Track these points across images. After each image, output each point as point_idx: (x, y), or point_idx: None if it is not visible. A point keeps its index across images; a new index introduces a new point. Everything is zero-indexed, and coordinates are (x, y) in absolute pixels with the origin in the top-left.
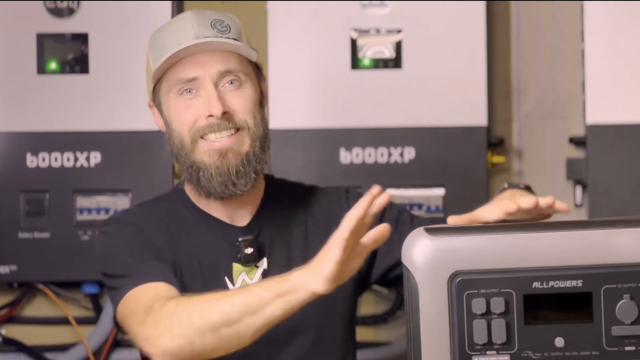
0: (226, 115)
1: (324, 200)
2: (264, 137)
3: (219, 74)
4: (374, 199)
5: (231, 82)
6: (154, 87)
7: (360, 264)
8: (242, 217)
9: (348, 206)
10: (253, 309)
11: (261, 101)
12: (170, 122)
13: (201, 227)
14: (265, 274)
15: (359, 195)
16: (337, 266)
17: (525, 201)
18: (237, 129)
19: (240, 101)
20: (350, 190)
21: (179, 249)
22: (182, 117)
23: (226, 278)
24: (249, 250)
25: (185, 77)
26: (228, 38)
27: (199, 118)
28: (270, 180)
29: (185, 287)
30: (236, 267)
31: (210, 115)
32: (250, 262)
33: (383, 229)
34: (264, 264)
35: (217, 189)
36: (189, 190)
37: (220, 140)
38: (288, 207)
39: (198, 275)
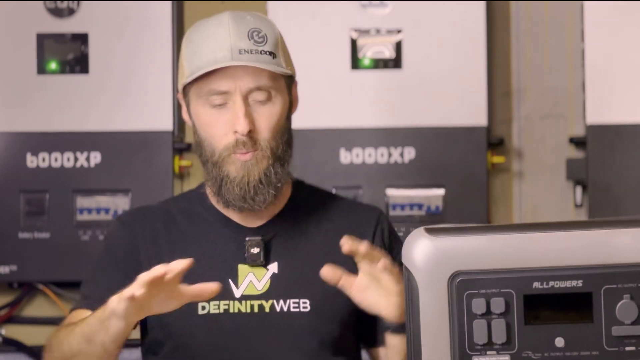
0: (250, 133)
1: (354, 215)
2: (284, 152)
3: (249, 90)
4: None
5: (262, 97)
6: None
7: (176, 306)
8: (259, 220)
9: (376, 230)
10: (88, 338)
11: (290, 109)
12: (199, 129)
13: (214, 227)
14: (275, 278)
15: (391, 227)
16: (127, 302)
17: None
18: (257, 148)
19: (266, 119)
20: (382, 214)
21: (183, 248)
22: (212, 130)
23: (230, 280)
24: (255, 250)
25: (217, 89)
26: (263, 52)
27: (228, 132)
28: (298, 186)
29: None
30: (242, 268)
31: (236, 132)
32: (256, 262)
33: (207, 293)
34: (275, 267)
35: (236, 203)
36: (210, 191)
37: (244, 154)
38: (311, 215)
39: (201, 275)
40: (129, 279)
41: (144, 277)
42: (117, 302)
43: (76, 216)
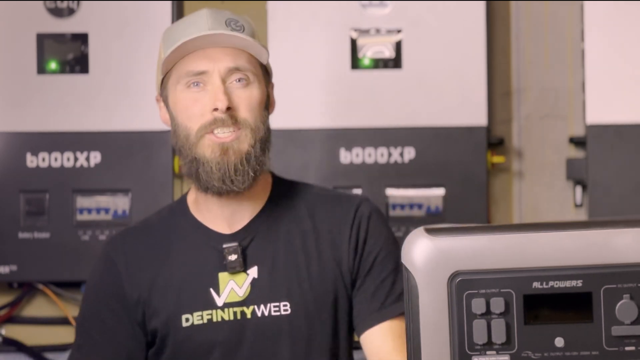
0: (230, 110)
1: (332, 210)
2: (265, 140)
3: (227, 70)
4: None
5: (239, 80)
6: (162, 80)
7: None
8: (239, 221)
9: (353, 224)
10: None
11: (267, 105)
12: (176, 116)
13: (193, 237)
14: (255, 283)
15: (371, 214)
16: None
17: None
18: (239, 127)
19: (246, 100)
20: (363, 203)
21: (164, 264)
22: (189, 111)
23: (211, 289)
24: (233, 257)
25: (195, 69)
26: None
27: (205, 112)
28: (277, 183)
29: (171, 299)
30: (222, 276)
31: (215, 109)
32: (235, 269)
33: None
34: (254, 272)
35: (215, 184)
36: (190, 200)
37: (223, 136)
38: (292, 214)
39: (182, 289)
40: (117, 317)
41: None
42: None
43: (76, 216)
